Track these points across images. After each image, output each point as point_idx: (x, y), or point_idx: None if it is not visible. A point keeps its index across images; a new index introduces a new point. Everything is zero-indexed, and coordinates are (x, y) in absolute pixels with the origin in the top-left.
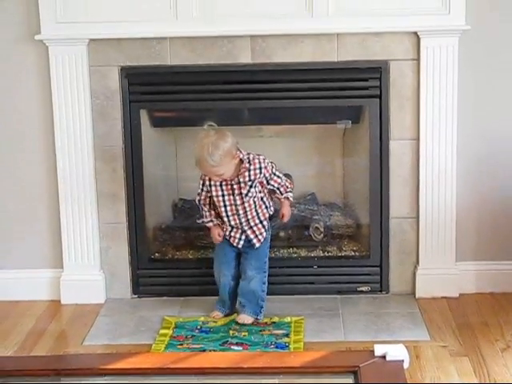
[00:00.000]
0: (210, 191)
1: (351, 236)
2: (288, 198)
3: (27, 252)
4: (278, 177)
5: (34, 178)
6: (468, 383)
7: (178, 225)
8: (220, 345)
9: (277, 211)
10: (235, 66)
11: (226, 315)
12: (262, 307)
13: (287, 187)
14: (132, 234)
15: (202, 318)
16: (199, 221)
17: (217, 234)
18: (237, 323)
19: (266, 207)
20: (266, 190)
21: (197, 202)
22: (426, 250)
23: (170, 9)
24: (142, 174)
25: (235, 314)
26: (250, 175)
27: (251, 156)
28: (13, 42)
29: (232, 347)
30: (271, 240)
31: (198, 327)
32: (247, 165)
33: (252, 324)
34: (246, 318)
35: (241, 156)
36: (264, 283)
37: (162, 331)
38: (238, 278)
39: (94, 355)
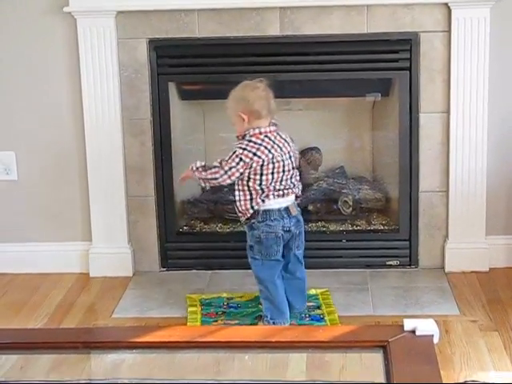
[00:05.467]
0: None
1: (380, 210)
2: (197, 169)
3: (57, 225)
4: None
5: (62, 152)
6: None
7: (206, 198)
8: (254, 319)
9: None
10: (264, 38)
11: None
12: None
13: (210, 170)
14: (160, 208)
15: (225, 294)
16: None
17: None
18: None
19: (252, 194)
20: (256, 182)
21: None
22: (455, 223)
23: None
24: (170, 147)
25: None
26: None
27: (250, 135)
28: (41, 15)
29: None
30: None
31: (225, 303)
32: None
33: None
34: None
35: (251, 128)
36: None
37: (191, 309)
38: None
39: (122, 328)
